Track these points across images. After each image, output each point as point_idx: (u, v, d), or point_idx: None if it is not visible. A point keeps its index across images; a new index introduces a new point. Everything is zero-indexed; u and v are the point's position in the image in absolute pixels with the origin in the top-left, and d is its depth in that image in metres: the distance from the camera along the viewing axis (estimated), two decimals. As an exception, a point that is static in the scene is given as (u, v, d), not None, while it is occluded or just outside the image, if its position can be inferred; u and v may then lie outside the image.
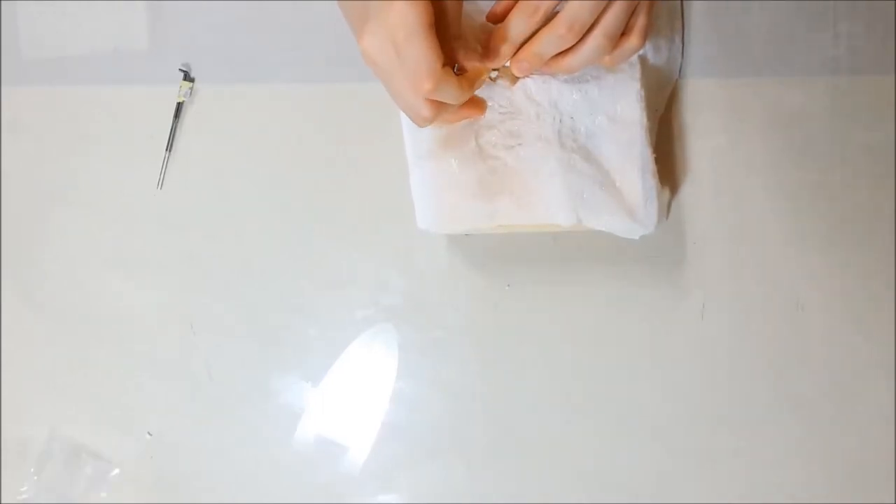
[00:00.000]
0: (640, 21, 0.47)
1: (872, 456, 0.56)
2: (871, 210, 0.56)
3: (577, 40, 0.46)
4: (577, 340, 0.57)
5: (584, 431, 0.57)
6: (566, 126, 0.52)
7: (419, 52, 0.41)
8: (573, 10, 0.44)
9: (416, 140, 0.53)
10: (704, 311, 0.56)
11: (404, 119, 0.53)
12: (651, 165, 0.52)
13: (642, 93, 0.52)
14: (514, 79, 0.52)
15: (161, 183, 0.59)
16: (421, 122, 0.45)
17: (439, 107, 0.45)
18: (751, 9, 0.56)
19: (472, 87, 0.46)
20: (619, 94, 0.52)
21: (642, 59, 0.54)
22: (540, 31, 0.46)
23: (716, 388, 0.56)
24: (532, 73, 0.50)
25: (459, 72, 0.47)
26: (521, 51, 0.48)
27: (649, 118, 0.53)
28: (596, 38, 0.46)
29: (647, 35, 0.48)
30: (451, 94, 0.44)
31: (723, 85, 0.56)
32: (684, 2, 0.56)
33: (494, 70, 0.51)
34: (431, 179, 0.52)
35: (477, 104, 0.50)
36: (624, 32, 0.47)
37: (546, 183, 0.51)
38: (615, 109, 0.52)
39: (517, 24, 0.46)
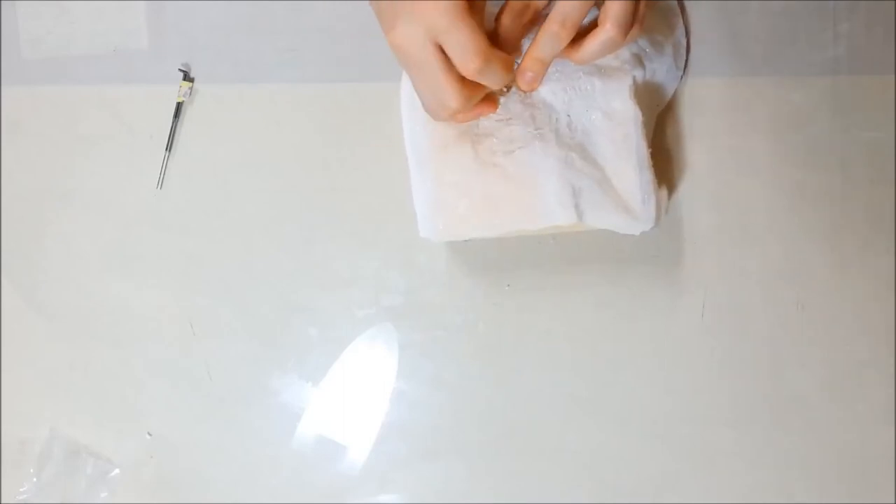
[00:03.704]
0: (640, 10, 0.47)
1: (872, 456, 0.56)
2: (871, 210, 0.56)
3: (572, 36, 0.46)
4: (577, 340, 0.57)
5: (584, 431, 0.57)
6: (563, 124, 0.52)
7: (465, 33, 0.43)
8: (562, 7, 0.45)
9: (417, 151, 0.53)
10: (704, 310, 0.56)
11: (406, 130, 0.53)
12: (647, 161, 0.52)
13: (634, 88, 0.52)
14: (507, 86, 0.52)
15: (161, 183, 0.59)
16: (445, 112, 0.46)
17: (468, 95, 0.45)
18: (751, 9, 0.56)
19: (511, 70, 0.47)
20: (613, 90, 0.52)
21: (639, 57, 0.54)
22: (536, 36, 0.47)
23: (716, 387, 0.56)
24: (538, 85, 0.50)
25: None
26: (523, 61, 0.48)
27: (645, 114, 0.53)
28: (607, 31, 0.46)
29: (642, 23, 0.48)
30: (498, 72, 0.45)
31: (723, 85, 0.56)
32: (685, 1, 0.56)
33: None
34: (432, 191, 0.52)
35: (492, 100, 0.51)
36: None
37: (545, 182, 0.51)
38: (610, 106, 0.52)
39: (507, 21, 0.47)
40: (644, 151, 0.52)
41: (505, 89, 0.52)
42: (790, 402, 0.56)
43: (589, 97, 0.52)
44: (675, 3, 0.56)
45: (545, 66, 0.48)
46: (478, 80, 0.45)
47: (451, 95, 0.45)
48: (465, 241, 0.57)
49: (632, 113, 0.52)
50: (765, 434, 0.56)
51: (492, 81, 0.46)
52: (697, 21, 0.56)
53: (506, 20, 0.47)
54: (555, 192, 0.51)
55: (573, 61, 0.48)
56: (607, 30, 0.46)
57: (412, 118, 0.53)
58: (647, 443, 0.56)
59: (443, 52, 0.44)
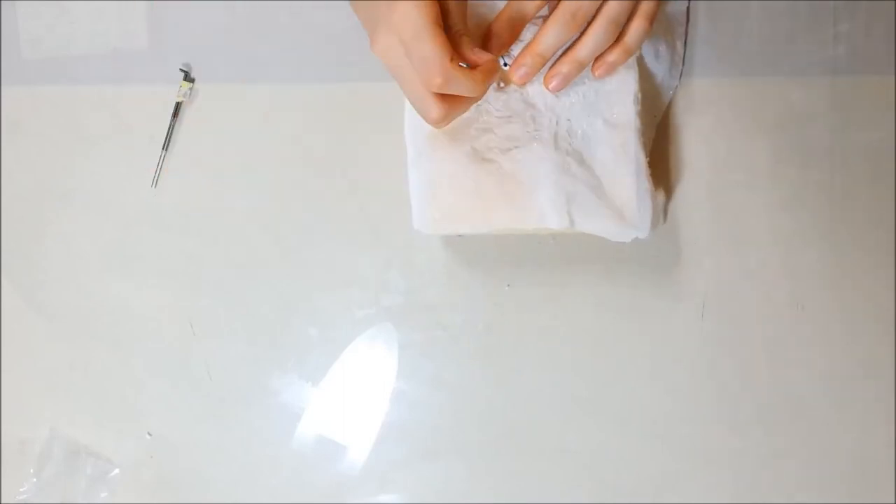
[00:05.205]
0: (645, 5, 0.48)
1: (872, 456, 0.56)
2: (871, 210, 0.56)
3: (581, 29, 0.46)
4: (577, 340, 0.57)
5: (584, 431, 0.57)
6: (562, 129, 0.52)
7: (426, 48, 0.42)
8: (572, 3, 0.45)
9: (415, 141, 0.53)
10: (704, 311, 0.56)
11: (406, 119, 0.53)
12: (645, 169, 0.52)
13: (639, 96, 0.52)
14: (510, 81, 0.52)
15: (156, 181, 0.59)
16: (432, 122, 0.46)
17: (449, 106, 0.45)
18: (751, 9, 0.56)
19: (485, 79, 0.46)
20: (616, 97, 0.52)
21: (641, 63, 0.54)
22: (542, 27, 0.47)
23: (716, 388, 0.56)
24: (530, 79, 0.50)
25: (471, 68, 0.46)
26: (522, 53, 0.48)
27: (646, 123, 0.53)
28: (601, 24, 0.46)
29: (653, 19, 0.48)
30: (465, 86, 0.44)
31: (723, 85, 0.56)
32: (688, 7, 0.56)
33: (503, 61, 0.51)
34: (428, 181, 0.52)
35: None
36: (630, 18, 0.48)
37: (539, 185, 0.51)
38: (612, 113, 0.52)
39: (518, 7, 0.47)
40: (642, 159, 0.52)
41: (503, 84, 0.52)
42: (790, 402, 0.56)
43: (591, 103, 0.52)
44: (683, 10, 0.56)
45: (544, 61, 0.48)
46: (445, 92, 0.44)
47: (429, 106, 0.45)
48: (460, 235, 0.57)
49: (633, 120, 0.51)
50: (764, 434, 0.56)
51: (463, 92, 0.45)
52: (697, 21, 0.56)
53: (502, 21, 0.47)
54: (549, 197, 0.51)
55: (567, 64, 0.48)
56: (600, 23, 0.47)
57: (413, 109, 0.52)
58: (647, 443, 0.56)
59: None
